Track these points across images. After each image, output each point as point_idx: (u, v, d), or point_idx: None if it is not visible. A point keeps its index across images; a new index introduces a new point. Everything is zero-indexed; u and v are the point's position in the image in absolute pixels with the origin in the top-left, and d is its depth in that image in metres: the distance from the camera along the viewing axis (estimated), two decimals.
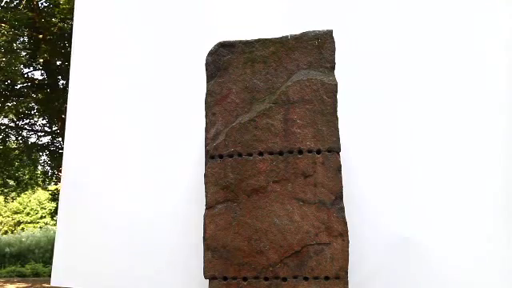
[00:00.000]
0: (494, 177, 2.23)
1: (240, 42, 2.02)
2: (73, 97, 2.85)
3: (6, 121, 11.19)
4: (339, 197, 1.85)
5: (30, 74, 10.87)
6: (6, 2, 9.43)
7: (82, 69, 2.85)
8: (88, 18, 2.91)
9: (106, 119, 2.70)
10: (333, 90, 1.91)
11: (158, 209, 2.47)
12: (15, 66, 8.48)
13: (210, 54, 2.05)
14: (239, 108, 1.99)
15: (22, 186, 13.77)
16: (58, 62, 10.25)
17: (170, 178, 2.48)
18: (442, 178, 2.24)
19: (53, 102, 9.98)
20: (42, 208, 21.99)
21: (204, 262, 1.91)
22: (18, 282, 10.72)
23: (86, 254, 2.58)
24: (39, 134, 11.90)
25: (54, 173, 12.66)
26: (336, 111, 1.91)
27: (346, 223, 1.82)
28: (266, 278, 1.84)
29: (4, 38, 8.37)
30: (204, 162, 2.01)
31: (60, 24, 9.63)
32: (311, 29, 1.98)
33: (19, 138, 11.54)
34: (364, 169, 2.28)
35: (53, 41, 9.79)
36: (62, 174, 2.84)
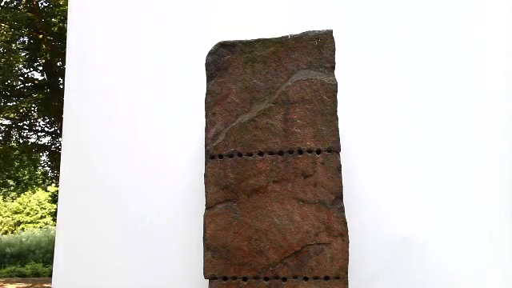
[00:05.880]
0: (494, 176, 2.23)
1: (240, 41, 2.02)
2: (69, 97, 2.84)
3: (6, 121, 11.19)
4: (339, 197, 1.85)
5: (29, 74, 10.87)
6: (6, 2, 9.42)
7: (79, 68, 2.84)
8: (85, 15, 2.91)
9: (105, 119, 2.70)
10: (333, 89, 1.91)
11: (157, 209, 2.47)
12: (13, 67, 8.47)
13: (210, 53, 2.05)
14: (239, 108, 1.99)
15: (21, 187, 13.77)
16: (59, 63, 10.24)
17: (170, 178, 2.47)
18: (442, 177, 2.24)
19: (53, 102, 9.98)
20: (41, 208, 22.00)
21: (204, 262, 1.90)
22: (18, 282, 10.72)
23: (86, 256, 2.57)
24: (39, 134, 11.90)
25: (54, 174, 12.65)
26: (336, 111, 1.91)
27: (346, 223, 1.82)
28: (266, 278, 1.84)
29: (3, 37, 8.36)
30: (204, 162, 2.01)
31: (60, 24, 9.63)
32: (311, 29, 1.98)
33: (19, 138, 11.53)
34: (364, 169, 2.28)
35: (53, 41, 9.79)
36: (61, 175, 2.83)
